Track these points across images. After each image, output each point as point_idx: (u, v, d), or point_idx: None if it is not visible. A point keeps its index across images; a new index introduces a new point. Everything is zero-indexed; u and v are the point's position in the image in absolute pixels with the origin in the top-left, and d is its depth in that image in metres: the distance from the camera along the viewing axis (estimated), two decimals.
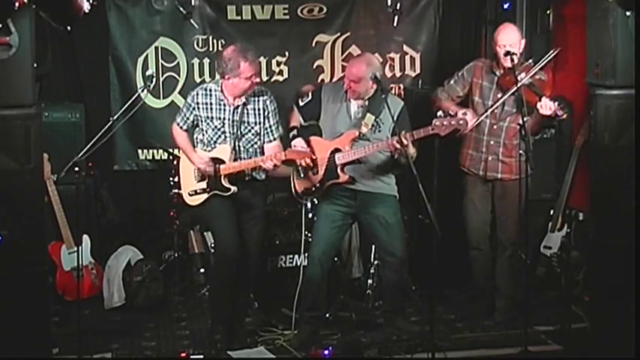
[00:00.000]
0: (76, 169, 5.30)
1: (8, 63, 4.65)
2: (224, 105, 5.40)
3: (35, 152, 4.82)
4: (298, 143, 5.50)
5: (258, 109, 5.45)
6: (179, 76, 7.10)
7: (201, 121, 5.44)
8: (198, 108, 5.43)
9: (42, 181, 5.34)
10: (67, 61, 6.86)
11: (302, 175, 5.56)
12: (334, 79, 7.13)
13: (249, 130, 5.44)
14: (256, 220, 5.53)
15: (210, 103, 5.41)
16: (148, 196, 7.14)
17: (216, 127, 5.42)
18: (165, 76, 7.07)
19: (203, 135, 5.47)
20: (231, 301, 5.50)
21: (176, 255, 6.56)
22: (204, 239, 6.75)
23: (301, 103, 5.66)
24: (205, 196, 5.43)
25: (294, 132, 5.58)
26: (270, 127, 5.48)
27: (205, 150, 5.46)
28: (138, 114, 6.16)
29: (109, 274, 6.33)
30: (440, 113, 5.19)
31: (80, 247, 5.51)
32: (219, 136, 5.43)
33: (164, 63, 7.07)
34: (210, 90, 5.44)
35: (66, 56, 6.83)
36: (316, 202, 5.77)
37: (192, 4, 6.91)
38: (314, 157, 5.44)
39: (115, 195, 7.01)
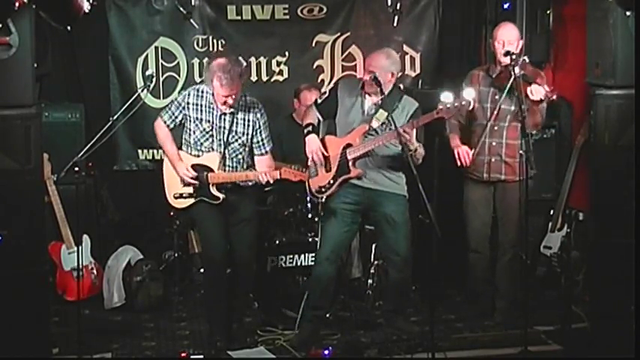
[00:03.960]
0: (76, 169, 5.30)
1: (8, 63, 4.66)
2: (214, 109, 5.39)
3: (35, 152, 4.83)
4: (312, 139, 5.51)
5: (248, 120, 5.42)
6: (179, 76, 7.09)
7: (190, 122, 5.42)
8: (189, 108, 5.40)
9: (42, 181, 5.33)
10: (67, 61, 6.85)
11: (315, 173, 5.57)
12: (334, 80, 7.12)
13: (237, 140, 5.42)
14: (246, 222, 5.49)
15: (201, 105, 5.40)
16: (148, 196, 7.10)
17: (204, 129, 5.39)
18: (165, 76, 7.07)
19: (190, 136, 5.44)
20: (225, 302, 5.48)
21: (176, 255, 6.55)
22: None
23: (319, 101, 5.67)
24: (192, 200, 5.42)
25: (309, 128, 5.56)
26: (262, 140, 5.47)
27: (191, 153, 5.43)
28: (138, 114, 6.14)
29: (109, 274, 6.33)
30: (442, 98, 5.22)
31: (80, 247, 5.50)
32: (207, 139, 5.40)
33: (164, 63, 7.06)
34: (203, 91, 5.42)
35: (66, 56, 6.82)
36: (323, 201, 5.74)
37: (192, 4, 6.91)
38: (322, 157, 5.47)
39: (115, 195, 7.01)
